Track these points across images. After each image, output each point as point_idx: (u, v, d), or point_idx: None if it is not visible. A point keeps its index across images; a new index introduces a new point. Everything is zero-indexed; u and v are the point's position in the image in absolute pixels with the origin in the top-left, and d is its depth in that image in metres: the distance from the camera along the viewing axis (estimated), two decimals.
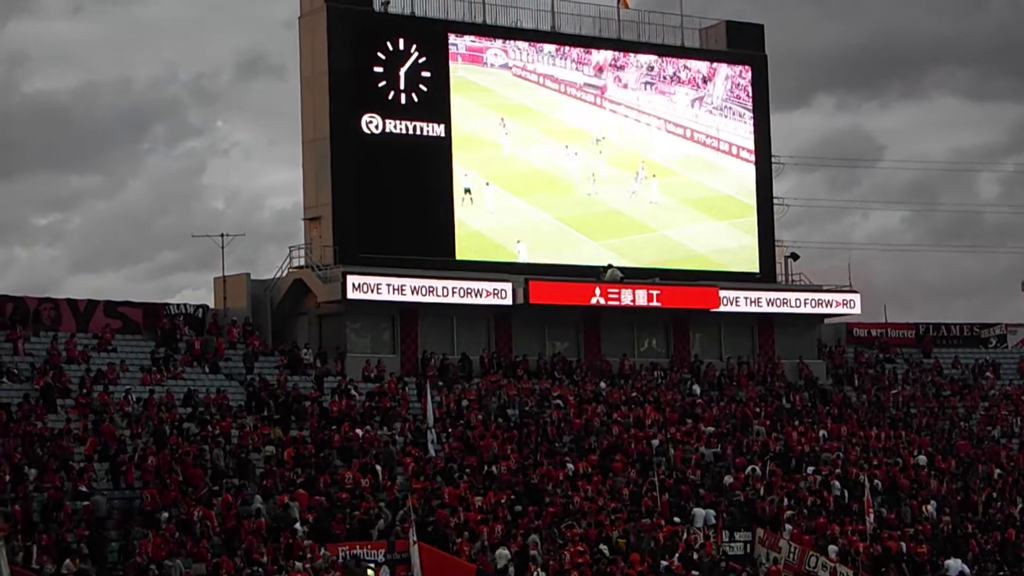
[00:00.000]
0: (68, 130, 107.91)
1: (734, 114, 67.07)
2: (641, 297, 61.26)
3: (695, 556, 45.93)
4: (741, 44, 67.43)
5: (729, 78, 66.81)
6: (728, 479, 52.54)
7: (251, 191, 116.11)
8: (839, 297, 66.98)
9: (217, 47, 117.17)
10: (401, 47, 59.13)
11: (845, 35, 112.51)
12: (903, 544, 50.03)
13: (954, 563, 49.05)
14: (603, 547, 45.13)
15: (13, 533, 38.19)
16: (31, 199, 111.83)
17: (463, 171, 59.90)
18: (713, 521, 48.94)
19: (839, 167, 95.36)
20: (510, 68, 62.42)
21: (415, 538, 40.32)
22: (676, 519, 48.54)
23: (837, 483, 53.81)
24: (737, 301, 64.00)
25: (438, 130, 59.63)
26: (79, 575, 37.37)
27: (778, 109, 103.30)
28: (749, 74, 67.27)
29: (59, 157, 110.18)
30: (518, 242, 61.17)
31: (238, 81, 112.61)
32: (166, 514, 41.42)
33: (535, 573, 42.28)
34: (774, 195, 67.76)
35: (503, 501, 46.80)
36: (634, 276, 61.83)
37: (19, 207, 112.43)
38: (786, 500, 51.60)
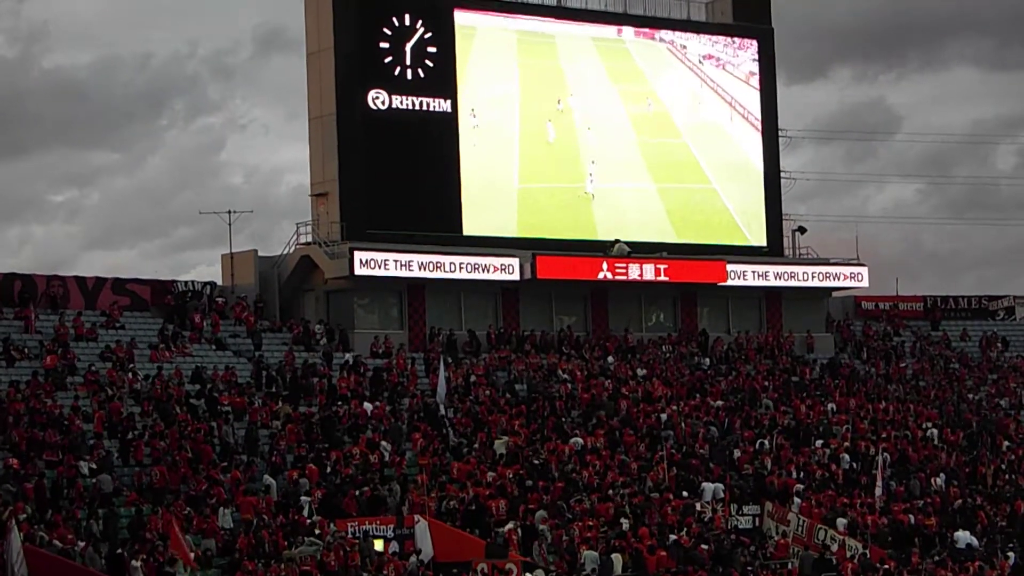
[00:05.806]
0: (86, 106, 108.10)
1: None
2: (648, 271, 61.18)
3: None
4: (747, 17, 67.19)
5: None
6: (737, 453, 52.55)
7: (269, 167, 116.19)
8: (847, 270, 66.85)
9: (236, 23, 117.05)
10: (407, 22, 58.96)
11: (862, 5, 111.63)
12: (912, 517, 50.05)
13: (963, 535, 49.09)
14: (623, 521, 45.09)
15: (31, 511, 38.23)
16: (48, 175, 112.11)
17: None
18: (722, 495, 48.94)
19: (854, 139, 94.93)
20: (516, 41, 62.37)
21: (425, 514, 40.34)
22: (685, 493, 48.57)
23: (846, 456, 53.81)
24: (745, 275, 63.89)
25: (444, 105, 59.51)
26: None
27: (794, 81, 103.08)
28: (756, 48, 67.18)
29: (77, 133, 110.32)
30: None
31: (257, 57, 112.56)
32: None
33: (542, 547, 42.26)
34: (782, 169, 67.63)
35: (511, 476, 46.80)
36: (641, 250, 61.76)
37: (36, 183, 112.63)
38: (795, 473, 51.62)
